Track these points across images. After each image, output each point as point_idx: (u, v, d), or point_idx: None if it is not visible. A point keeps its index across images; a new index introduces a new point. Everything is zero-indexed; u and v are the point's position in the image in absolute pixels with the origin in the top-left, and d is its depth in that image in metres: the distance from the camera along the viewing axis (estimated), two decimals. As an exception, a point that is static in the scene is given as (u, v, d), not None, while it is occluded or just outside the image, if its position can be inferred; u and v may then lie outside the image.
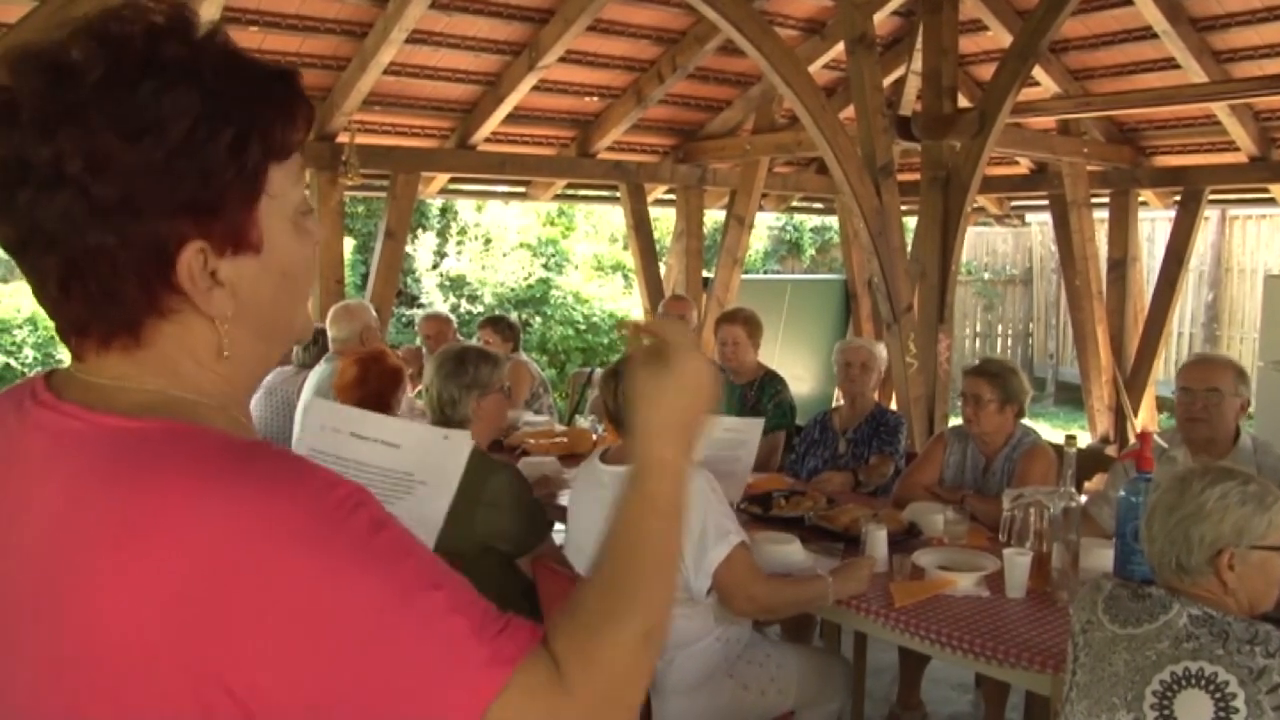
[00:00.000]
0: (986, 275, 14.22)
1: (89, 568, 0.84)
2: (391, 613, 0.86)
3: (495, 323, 6.51)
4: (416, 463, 1.59)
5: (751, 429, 3.98)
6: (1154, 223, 11.16)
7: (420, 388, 3.95)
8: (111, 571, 0.83)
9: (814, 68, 7.32)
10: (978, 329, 14.14)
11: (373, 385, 3.84)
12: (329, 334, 5.25)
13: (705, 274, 9.21)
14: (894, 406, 6.38)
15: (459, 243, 13.09)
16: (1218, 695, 1.83)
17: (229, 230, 0.92)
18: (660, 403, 1.11)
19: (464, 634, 0.88)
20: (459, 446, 1.59)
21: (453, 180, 8.40)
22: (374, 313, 5.32)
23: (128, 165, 0.86)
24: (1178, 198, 8.70)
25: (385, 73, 6.58)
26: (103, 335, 0.92)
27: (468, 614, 0.90)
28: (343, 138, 6.81)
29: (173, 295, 0.91)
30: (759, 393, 5.17)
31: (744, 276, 9.46)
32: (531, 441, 4.98)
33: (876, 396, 5.01)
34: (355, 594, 0.85)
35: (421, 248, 12.59)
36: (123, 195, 0.87)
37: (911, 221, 7.99)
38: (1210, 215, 11.05)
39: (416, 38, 6.45)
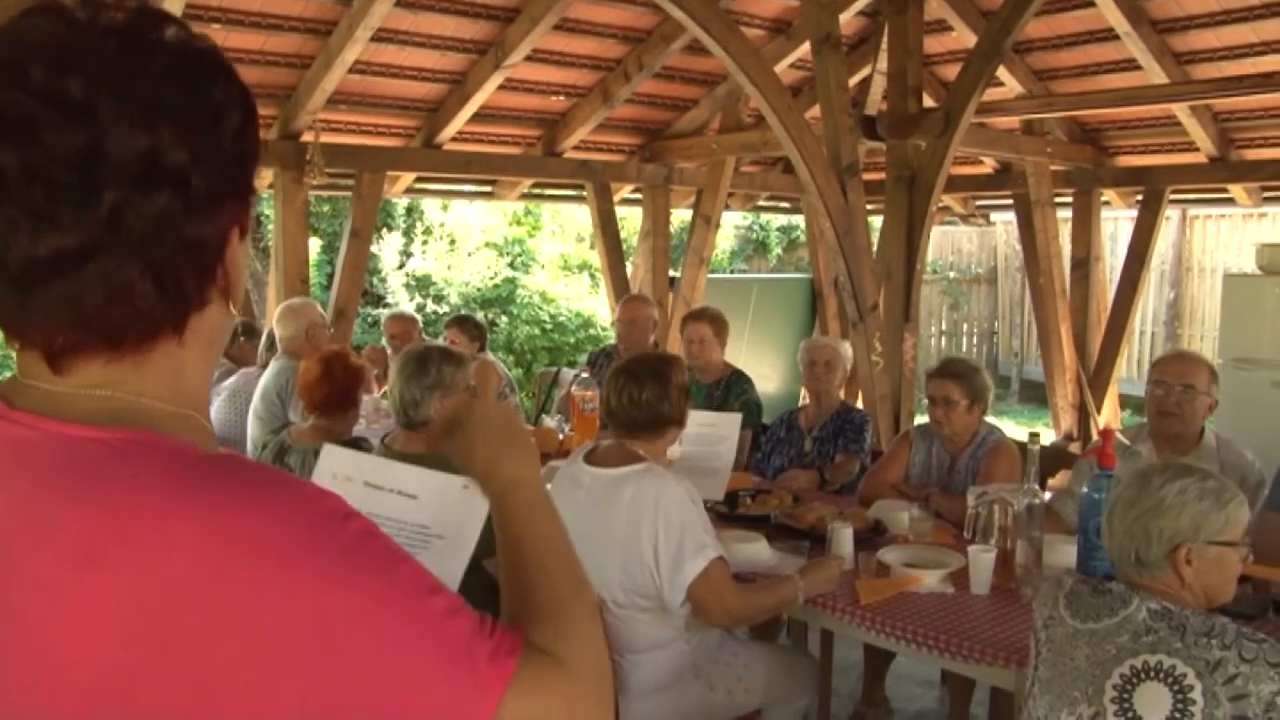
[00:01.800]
0: (952, 274, 14.31)
1: (51, 589, 0.80)
2: (395, 620, 0.86)
3: (462, 322, 6.49)
4: (433, 515, 1.56)
5: (729, 424, 3.97)
6: (1116, 222, 11.26)
7: (386, 388, 3.93)
8: (78, 593, 0.79)
9: (780, 67, 7.34)
10: (943, 327, 14.22)
11: (337, 382, 3.82)
12: (275, 333, 5.22)
13: (672, 273, 9.21)
14: (860, 405, 6.41)
15: (425, 242, 13.03)
16: (1176, 688, 1.85)
17: (249, 216, 0.94)
18: (475, 449, 1.22)
19: (468, 635, 0.90)
20: (477, 499, 1.56)
21: (418, 179, 8.36)
22: (320, 310, 5.28)
23: (215, 154, 0.87)
24: (1139, 197, 8.79)
25: (350, 71, 6.53)
26: (140, 338, 0.87)
27: (466, 615, 0.92)
28: (307, 136, 6.76)
29: (211, 287, 0.91)
30: (725, 392, 5.18)
31: (710, 275, 9.46)
32: (498, 441, 4.95)
33: (842, 395, 5.04)
34: (355, 603, 0.84)
35: (387, 247, 12.52)
36: (211, 185, 0.86)
37: (877, 221, 8.02)
38: (1171, 215, 11.17)
39: (382, 36, 6.41)
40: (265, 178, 7.38)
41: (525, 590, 1.08)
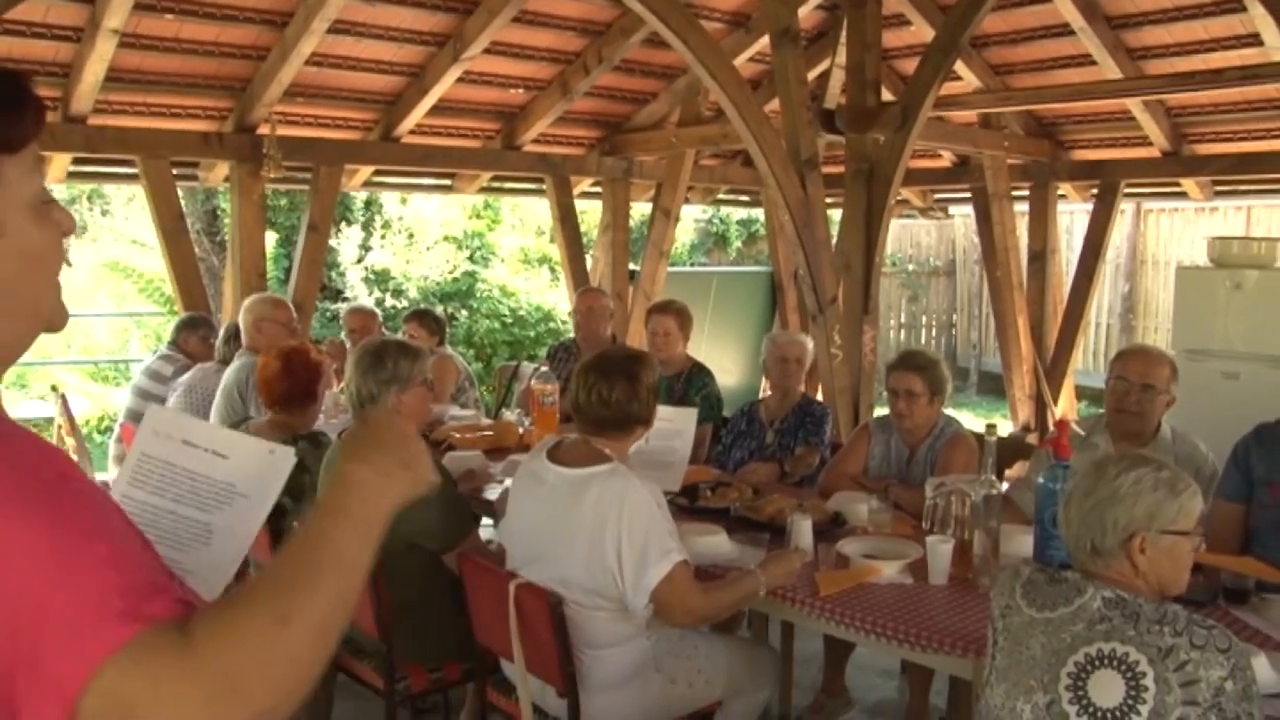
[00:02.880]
0: (911, 267, 14.40)
1: None
2: (50, 552, 0.97)
3: (421, 316, 6.45)
4: (241, 475, 1.67)
5: (685, 418, 3.99)
6: (1072, 215, 11.37)
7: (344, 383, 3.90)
8: None
9: (739, 61, 7.34)
10: (902, 320, 14.31)
11: (297, 378, 3.79)
12: (240, 327, 5.19)
13: (632, 266, 9.21)
14: (819, 397, 6.44)
15: (383, 236, 12.94)
16: (1129, 675, 1.87)
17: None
18: (354, 446, 1.24)
19: (110, 589, 0.97)
20: (283, 462, 1.69)
21: (376, 173, 8.31)
22: (274, 305, 5.23)
23: None
24: (1095, 191, 8.88)
25: (307, 63, 6.48)
26: None
27: (123, 571, 0.99)
28: (264, 130, 6.70)
29: None
30: (686, 385, 5.18)
31: (670, 269, 9.47)
32: (457, 436, 4.95)
33: (803, 388, 5.05)
34: (23, 528, 0.97)
35: (345, 241, 12.43)
36: None
37: (836, 214, 8.06)
38: (1126, 208, 11.29)
39: (339, 28, 6.35)
40: (221, 171, 7.31)
41: (272, 568, 1.10)
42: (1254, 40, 6.67)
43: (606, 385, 2.95)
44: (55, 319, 1.15)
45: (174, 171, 6.80)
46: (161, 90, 6.49)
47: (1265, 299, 6.85)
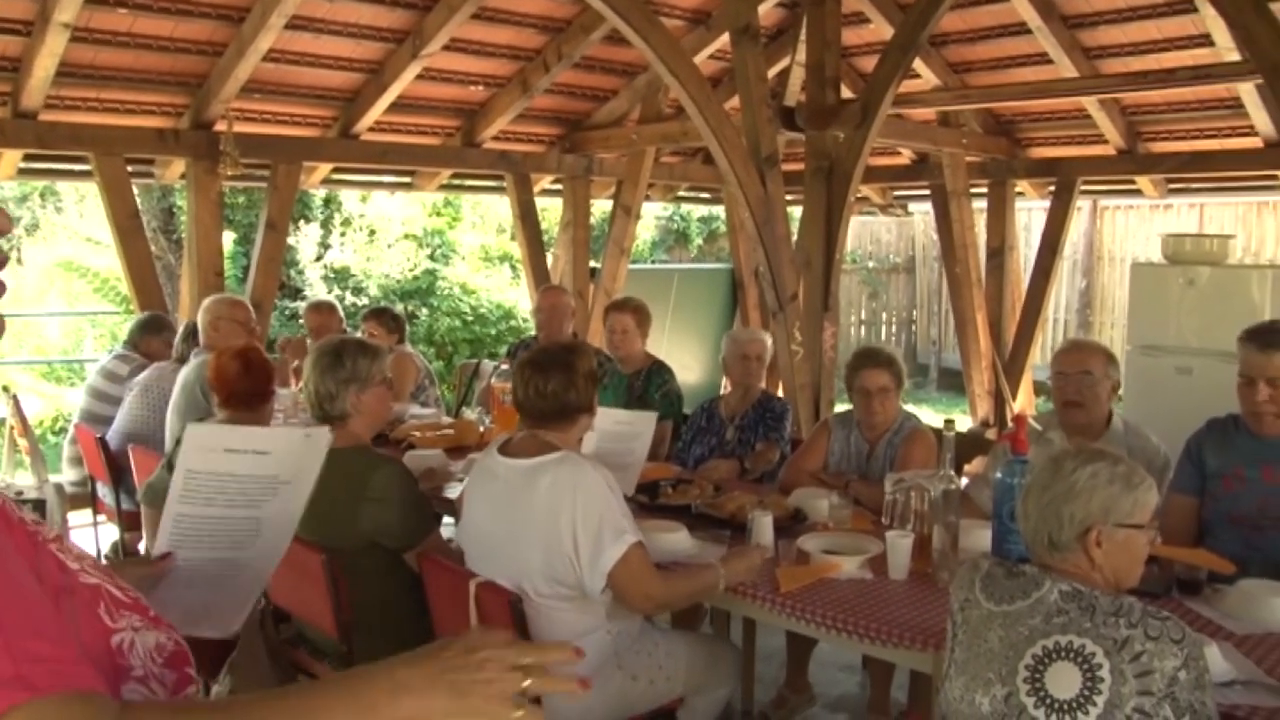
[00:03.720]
0: (871, 264, 14.48)
1: None
2: None
3: (380, 314, 6.41)
4: (283, 465, 1.71)
5: (644, 422, 3.99)
6: (1030, 212, 11.47)
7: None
8: None
9: (699, 58, 7.36)
10: (862, 317, 14.39)
11: (258, 375, 3.77)
12: (199, 325, 5.14)
13: (593, 264, 9.20)
14: (780, 394, 6.46)
15: (343, 234, 12.85)
16: (1085, 666, 1.89)
17: None
18: (423, 665, 1.12)
19: None
20: (319, 441, 1.73)
21: (335, 170, 8.25)
22: (231, 305, 5.18)
23: None
24: (1052, 188, 8.97)
25: (264, 60, 6.42)
26: None
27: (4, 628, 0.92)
28: (220, 126, 6.63)
29: None
30: (646, 383, 5.18)
31: (631, 266, 9.47)
32: (417, 434, 4.92)
33: (763, 384, 5.07)
34: None
35: (304, 239, 12.33)
36: None
37: (797, 211, 8.09)
38: (1083, 205, 11.41)
39: (296, 24, 6.30)
40: (177, 168, 7.23)
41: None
42: (1205, 40, 6.76)
43: (542, 378, 3.00)
44: None
45: (129, 169, 6.71)
46: (115, 86, 6.40)
47: (1217, 295, 6.95)
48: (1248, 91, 7.03)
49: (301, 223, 12.34)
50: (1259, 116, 7.25)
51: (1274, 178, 8.27)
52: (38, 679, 0.90)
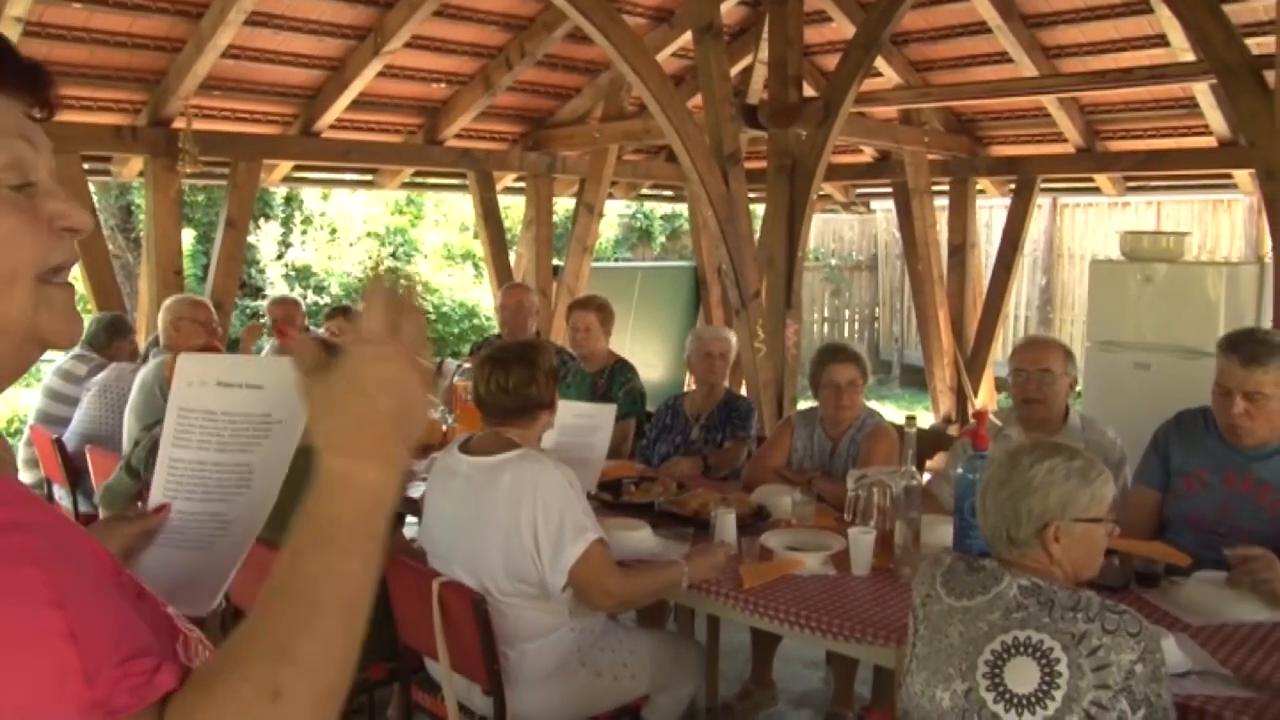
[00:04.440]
0: (834, 261, 14.54)
1: None
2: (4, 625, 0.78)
3: (344, 312, 6.37)
4: (276, 401, 1.59)
5: (604, 415, 4.00)
6: (991, 210, 11.57)
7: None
8: None
9: (662, 56, 7.36)
10: (825, 314, 14.45)
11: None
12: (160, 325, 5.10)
13: (556, 262, 9.19)
14: (743, 391, 6.47)
15: (304, 232, 12.78)
16: (1043, 661, 1.91)
17: None
18: (333, 421, 0.96)
19: (69, 669, 0.79)
20: None
21: (296, 168, 8.18)
22: (192, 305, 5.13)
23: None
24: (1012, 186, 9.05)
25: (224, 56, 6.35)
26: None
27: (85, 645, 0.80)
28: (179, 124, 6.56)
29: None
30: (609, 381, 5.18)
31: (594, 264, 9.46)
32: (381, 434, 4.88)
33: (727, 382, 5.08)
34: None
35: (265, 238, 12.25)
36: None
37: (759, 209, 8.12)
38: (1043, 203, 11.52)
39: (256, 20, 6.24)
40: (135, 166, 7.15)
41: (256, 620, 0.91)
42: (1161, 41, 6.85)
43: (504, 374, 3.00)
44: (42, 331, 0.91)
45: (85, 166, 6.63)
46: (71, 82, 6.31)
47: (1174, 291, 7.03)
48: (1202, 91, 7.13)
49: (262, 221, 12.25)
50: (1213, 116, 7.35)
51: (1228, 176, 8.40)
52: (117, 699, 0.81)
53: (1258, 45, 5.07)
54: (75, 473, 4.84)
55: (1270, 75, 4.68)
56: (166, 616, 0.97)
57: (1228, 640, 2.54)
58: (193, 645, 0.95)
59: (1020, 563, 2.10)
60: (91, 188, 6.91)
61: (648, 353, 9.78)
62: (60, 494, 5.09)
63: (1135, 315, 7.18)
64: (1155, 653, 1.91)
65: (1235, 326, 6.74)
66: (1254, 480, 3.07)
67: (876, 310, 14.62)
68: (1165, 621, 2.63)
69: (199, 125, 6.60)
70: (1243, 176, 8.17)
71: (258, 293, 12.10)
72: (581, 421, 3.91)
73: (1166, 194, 10.54)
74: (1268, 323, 5.82)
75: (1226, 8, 5.15)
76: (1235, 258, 10.81)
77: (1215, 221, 11.34)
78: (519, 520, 2.80)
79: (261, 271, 12.25)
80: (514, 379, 3.00)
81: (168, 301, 5.18)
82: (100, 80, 6.39)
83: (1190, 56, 6.38)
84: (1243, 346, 3.03)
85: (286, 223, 12.80)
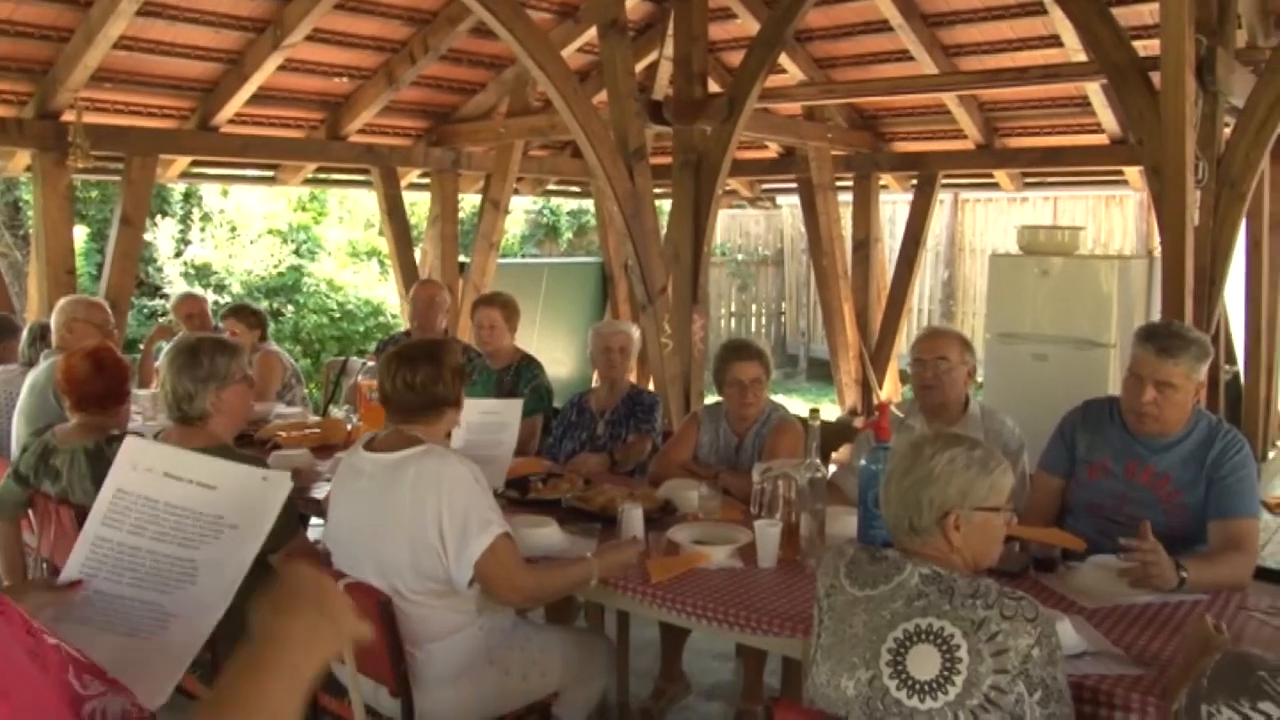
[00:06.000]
0: (740, 256, 14.66)
1: None
2: None
3: (238, 312, 6.23)
4: (230, 505, 1.54)
5: (511, 410, 3.98)
6: (894, 205, 11.77)
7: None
8: None
9: (567, 52, 7.34)
10: (732, 309, 14.56)
11: (110, 375, 3.61)
12: (52, 326, 4.93)
13: (462, 259, 9.12)
14: (650, 386, 6.49)
15: (203, 229, 12.47)
16: (944, 648, 1.94)
17: None
18: (274, 602, 1.19)
19: None
20: (277, 488, 1.57)
21: (194, 164, 8.01)
22: (88, 306, 4.99)
23: None
24: (915, 182, 9.21)
25: (116, 47, 6.17)
26: None
27: None
28: (69, 116, 6.35)
29: None
30: (516, 377, 5.16)
31: (501, 261, 9.42)
32: (283, 434, 4.81)
33: (633, 378, 5.08)
34: None
35: (162, 235, 11.92)
36: None
37: (666, 204, 8.15)
38: (944, 199, 11.75)
39: (149, 10, 6.08)
40: (22, 160, 6.91)
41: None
42: (1055, 41, 7.03)
43: (410, 370, 2.97)
44: None
45: (-33, 161, 6.41)
46: (-50, 73, 6.10)
47: (1070, 284, 7.23)
48: (1094, 91, 7.34)
49: (159, 217, 11.94)
50: (1105, 115, 7.57)
51: (1120, 173, 8.65)
52: None
53: (1144, 47, 5.22)
54: (-40, 481, 4.66)
55: (1156, 76, 4.82)
56: (66, 684, 1.07)
57: (1120, 621, 2.62)
58: (83, 676, 1.04)
59: (922, 551, 2.13)
60: (-24, 183, 6.66)
61: (555, 349, 9.77)
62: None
63: (1033, 308, 7.36)
64: (1051, 636, 1.96)
65: (1127, 318, 7.01)
66: (1153, 473, 3.16)
67: (783, 305, 14.78)
68: (1062, 605, 2.69)
69: (90, 118, 6.41)
70: (1133, 173, 8.44)
71: (156, 291, 11.78)
72: (489, 419, 3.88)
73: (1062, 190, 10.84)
74: (1157, 315, 6.00)
75: (1115, 11, 5.30)
76: (1128, 251, 11.16)
77: (1109, 217, 11.70)
78: (424, 515, 2.77)
79: (159, 270, 11.93)
80: (420, 376, 2.96)
81: (61, 302, 5.02)
82: (-18, 70, 6.18)
83: (1083, 57, 6.56)
84: (1159, 337, 3.11)
85: (185, 219, 12.49)
